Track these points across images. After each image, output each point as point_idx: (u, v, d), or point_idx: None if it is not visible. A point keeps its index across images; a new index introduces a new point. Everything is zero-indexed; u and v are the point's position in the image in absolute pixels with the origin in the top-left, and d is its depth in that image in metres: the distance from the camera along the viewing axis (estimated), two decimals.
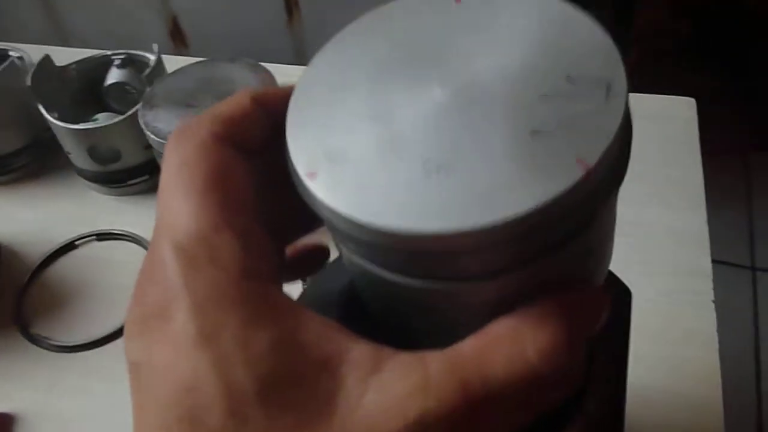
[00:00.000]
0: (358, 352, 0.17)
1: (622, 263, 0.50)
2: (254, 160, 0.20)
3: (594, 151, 0.16)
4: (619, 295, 0.31)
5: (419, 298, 0.19)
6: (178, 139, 0.20)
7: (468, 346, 0.17)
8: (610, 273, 0.31)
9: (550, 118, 0.17)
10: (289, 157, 0.18)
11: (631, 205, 0.54)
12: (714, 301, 0.48)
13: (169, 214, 0.19)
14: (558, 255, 0.17)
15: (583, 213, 0.17)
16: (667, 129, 0.60)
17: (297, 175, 0.18)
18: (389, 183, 0.16)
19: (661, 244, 0.52)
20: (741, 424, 1.14)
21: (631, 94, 0.59)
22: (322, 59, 0.20)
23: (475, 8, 0.20)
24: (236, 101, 0.21)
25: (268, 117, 0.20)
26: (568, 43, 0.18)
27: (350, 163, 0.17)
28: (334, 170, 0.17)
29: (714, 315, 0.47)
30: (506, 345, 0.17)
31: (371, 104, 0.18)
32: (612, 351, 0.29)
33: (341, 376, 0.17)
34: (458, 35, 0.19)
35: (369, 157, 0.17)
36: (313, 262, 0.26)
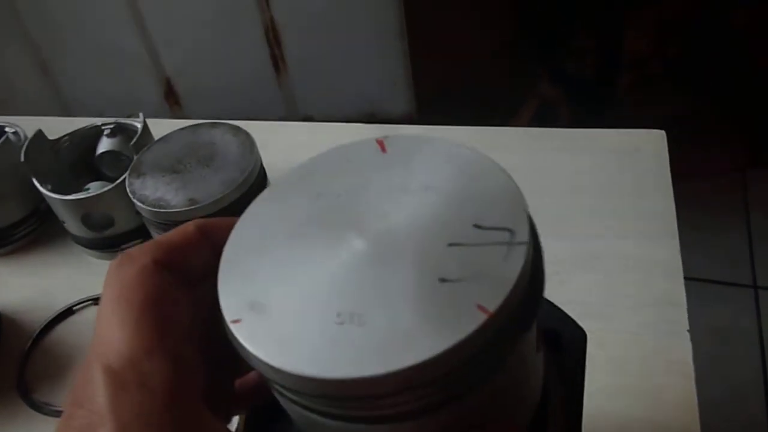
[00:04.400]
0: None
1: (597, 296, 0.52)
2: (197, 290, 0.21)
3: (495, 297, 0.17)
4: (574, 336, 0.32)
5: None
6: (120, 265, 0.21)
7: None
8: (565, 314, 0.32)
9: (456, 266, 0.18)
10: (218, 302, 0.20)
11: (607, 238, 0.56)
12: (689, 330, 0.49)
13: (104, 338, 0.20)
14: (470, 397, 0.19)
15: (490, 357, 0.18)
16: (638, 162, 0.62)
17: (224, 320, 0.19)
18: (304, 332, 0.18)
19: (636, 276, 0.53)
20: None
21: (600, 130, 0.61)
22: (259, 208, 0.22)
23: (399, 158, 0.22)
24: (182, 230, 0.22)
25: (212, 246, 0.22)
26: (478, 192, 0.20)
27: (271, 314, 0.19)
28: (257, 319, 0.19)
29: (690, 344, 0.48)
30: None
31: (293, 258, 0.20)
32: (568, 389, 0.30)
33: None
34: (379, 187, 0.21)
35: (288, 309, 0.19)
36: (261, 393, 0.27)
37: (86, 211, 0.60)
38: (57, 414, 0.53)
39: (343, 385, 0.17)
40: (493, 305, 0.17)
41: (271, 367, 0.18)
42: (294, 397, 0.19)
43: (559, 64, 1.53)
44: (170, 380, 0.19)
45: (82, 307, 0.60)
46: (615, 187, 0.60)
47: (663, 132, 0.64)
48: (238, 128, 0.58)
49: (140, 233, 0.62)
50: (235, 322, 0.19)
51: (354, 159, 0.23)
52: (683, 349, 0.48)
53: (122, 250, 0.63)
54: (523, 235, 0.19)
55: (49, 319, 0.59)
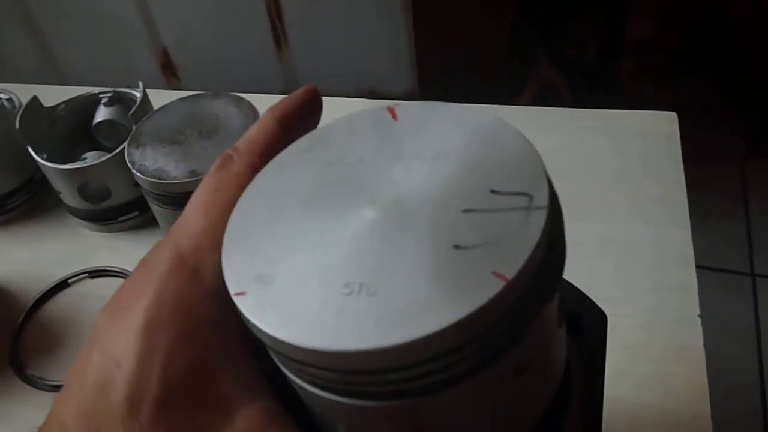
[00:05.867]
0: (258, 407, 0.19)
1: (609, 281, 0.51)
2: None
3: (513, 264, 0.16)
4: (595, 318, 0.31)
5: (342, 415, 0.19)
6: (223, 164, 0.22)
7: None
8: (585, 296, 0.31)
9: (471, 232, 0.17)
10: (222, 274, 0.19)
11: (617, 222, 0.55)
12: (700, 316, 0.48)
13: (186, 221, 0.21)
14: (489, 372, 0.18)
15: (510, 328, 0.17)
16: (649, 144, 0.61)
17: (228, 291, 0.18)
18: (309, 304, 0.17)
19: (646, 261, 0.52)
20: (747, 430, 1.14)
21: (611, 111, 0.60)
22: (265, 178, 0.21)
23: (410, 125, 0.21)
24: (265, 126, 0.23)
25: (288, 138, 0.23)
26: (494, 157, 0.19)
27: (277, 286, 0.18)
28: (262, 291, 0.18)
29: (700, 330, 0.47)
30: None
31: (302, 229, 0.19)
32: (589, 372, 0.29)
33: (231, 421, 0.19)
34: (390, 155, 0.20)
35: (294, 280, 0.18)
36: None
37: (83, 182, 0.58)
38: (51, 388, 0.51)
39: (347, 357, 0.16)
40: (511, 272, 0.16)
41: (276, 340, 0.17)
42: (300, 373, 0.18)
43: (561, 48, 1.52)
44: (218, 279, 0.19)
45: (77, 280, 0.59)
46: (626, 170, 0.59)
47: (674, 114, 0.63)
48: (241, 99, 0.56)
49: (138, 205, 0.60)
50: (239, 294, 0.18)
51: (363, 127, 0.22)
52: (694, 336, 0.47)
53: (119, 222, 0.61)
54: (543, 200, 0.18)
55: (43, 291, 0.58)
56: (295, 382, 0.19)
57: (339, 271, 0.17)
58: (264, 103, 0.58)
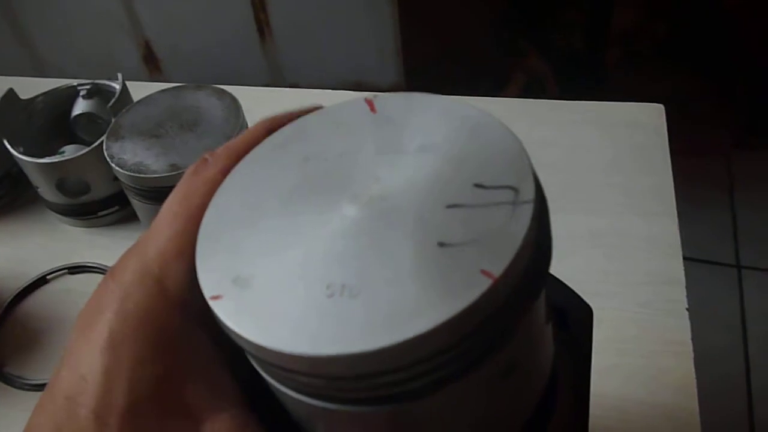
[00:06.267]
0: (227, 417, 0.19)
1: (596, 273, 0.50)
2: None
3: (499, 261, 0.16)
4: (580, 313, 0.31)
5: (326, 421, 0.19)
6: (196, 170, 0.21)
7: None
8: (570, 290, 0.31)
9: (457, 229, 0.17)
10: (197, 277, 0.18)
11: (605, 214, 0.54)
12: (688, 309, 0.47)
13: (154, 229, 0.20)
14: (477, 373, 0.17)
15: (498, 327, 0.17)
16: (636, 136, 0.60)
17: (196, 300, 0.18)
18: (291, 307, 0.16)
19: (634, 253, 0.51)
20: (733, 421, 1.14)
21: (599, 102, 0.59)
22: (240, 174, 0.21)
23: (390, 118, 0.20)
24: (253, 135, 0.22)
25: None
26: (478, 151, 0.18)
27: (255, 288, 0.17)
28: (239, 294, 0.17)
29: (688, 323, 0.47)
30: None
31: (281, 228, 0.18)
32: (576, 366, 0.29)
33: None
34: (371, 149, 0.19)
35: (273, 282, 0.17)
36: None
37: (61, 176, 0.57)
38: (30, 387, 0.50)
39: (330, 363, 0.15)
40: (498, 269, 0.16)
41: (255, 345, 0.16)
42: (281, 378, 0.18)
43: (548, 38, 1.52)
44: (183, 287, 0.19)
45: (56, 276, 0.58)
46: (613, 162, 0.59)
47: (661, 106, 0.62)
48: (223, 91, 0.55)
49: (118, 200, 0.59)
50: (215, 298, 0.17)
51: (342, 120, 0.21)
52: (682, 329, 0.46)
53: (99, 217, 0.60)
54: (528, 193, 0.17)
55: (21, 288, 0.57)
56: (275, 387, 0.19)
57: (320, 272, 0.17)
58: (247, 95, 0.57)
